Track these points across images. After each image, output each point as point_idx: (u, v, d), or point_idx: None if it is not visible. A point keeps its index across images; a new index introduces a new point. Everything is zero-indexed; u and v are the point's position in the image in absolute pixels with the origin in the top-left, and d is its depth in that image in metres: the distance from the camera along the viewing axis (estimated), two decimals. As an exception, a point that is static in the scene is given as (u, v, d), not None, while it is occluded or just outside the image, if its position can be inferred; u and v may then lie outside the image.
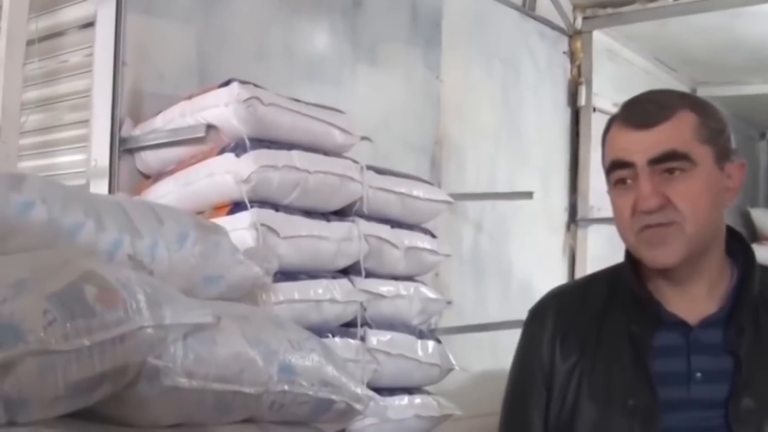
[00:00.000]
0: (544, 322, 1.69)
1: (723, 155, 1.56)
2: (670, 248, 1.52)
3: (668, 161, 1.51)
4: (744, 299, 1.56)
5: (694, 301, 1.58)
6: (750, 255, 1.62)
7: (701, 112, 1.56)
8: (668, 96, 1.62)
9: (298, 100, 2.76)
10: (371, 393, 2.08)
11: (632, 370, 1.55)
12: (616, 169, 1.56)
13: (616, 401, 1.55)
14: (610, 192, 1.60)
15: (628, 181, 1.54)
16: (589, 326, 1.63)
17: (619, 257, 1.69)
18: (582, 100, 5.46)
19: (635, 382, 1.54)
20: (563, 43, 5.48)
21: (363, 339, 2.76)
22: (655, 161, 1.51)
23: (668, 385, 1.53)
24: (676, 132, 1.52)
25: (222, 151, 2.59)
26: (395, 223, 3.00)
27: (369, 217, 2.89)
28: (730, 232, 1.64)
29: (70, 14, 3.14)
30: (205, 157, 2.64)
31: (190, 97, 2.74)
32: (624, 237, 1.59)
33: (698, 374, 1.52)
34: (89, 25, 3.04)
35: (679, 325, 1.56)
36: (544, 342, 1.67)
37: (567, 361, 1.62)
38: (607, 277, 1.71)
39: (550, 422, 1.63)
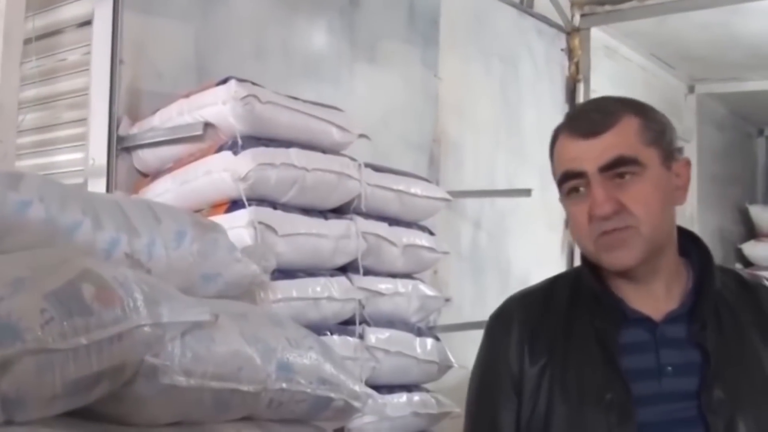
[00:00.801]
0: (509, 327, 1.68)
1: (669, 155, 1.60)
2: (628, 250, 1.55)
3: (618, 167, 1.54)
4: (706, 294, 1.60)
5: (655, 299, 1.61)
6: (706, 252, 1.66)
7: (643, 116, 1.60)
8: (610, 103, 1.65)
9: (295, 98, 2.76)
10: (370, 391, 2.08)
11: (603, 367, 1.56)
12: (568, 179, 1.58)
13: (590, 399, 1.55)
14: (563, 201, 1.63)
15: (581, 189, 1.57)
16: (555, 328, 1.64)
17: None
18: (580, 98, 5.47)
19: (608, 379, 1.55)
20: (561, 41, 5.49)
21: (361, 337, 2.76)
22: (605, 168, 1.54)
23: (640, 380, 1.55)
24: (622, 137, 1.56)
25: (220, 149, 2.59)
26: (393, 221, 3.00)
27: (367, 215, 2.89)
28: (682, 231, 1.67)
29: (67, 13, 3.14)
30: (202, 155, 2.65)
31: (187, 96, 2.74)
32: (582, 245, 1.62)
33: (669, 368, 1.55)
34: (86, 23, 3.04)
35: (644, 321, 1.59)
36: (511, 346, 1.66)
37: (536, 364, 1.62)
38: (569, 279, 1.73)
39: (521, 427, 1.62)
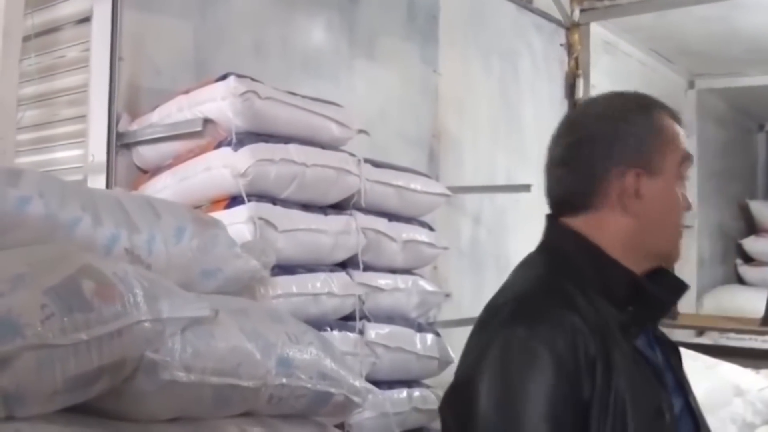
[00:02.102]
0: (575, 347, 1.41)
1: None
2: None
3: None
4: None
5: None
6: None
7: None
8: None
9: (295, 94, 2.76)
10: (370, 386, 2.09)
11: (647, 374, 1.51)
12: (688, 162, 1.60)
13: (651, 412, 1.46)
14: (669, 181, 1.56)
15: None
16: (593, 339, 1.43)
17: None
18: (579, 93, 5.46)
19: (659, 391, 1.51)
20: (560, 36, 5.48)
21: (361, 332, 2.76)
22: None
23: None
24: None
25: (219, 145, 2.59)
26: (393, 217, 3.00)
27: (367, 211, 2.89)
28: None
29: (67, 9, 3.14)
30: (202, 151, 2.65)
31: (187, 92, 2.74)
32: (669, 229, 1.58)
33: (667, 362, 1.60)
34: (86, 20, 3.03)
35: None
36: (582, 370, 1.40)
37: (595, 383, 1.40)
38: (569, 281, 1.54)
39: None
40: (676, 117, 1.62)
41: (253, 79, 2.64)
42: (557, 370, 1.38)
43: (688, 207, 1.59)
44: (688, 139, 1.61)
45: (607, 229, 1.56)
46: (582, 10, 5.50)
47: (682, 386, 1.59)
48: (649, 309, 1.57)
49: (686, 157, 1.59)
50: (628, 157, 1.55)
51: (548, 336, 1.40)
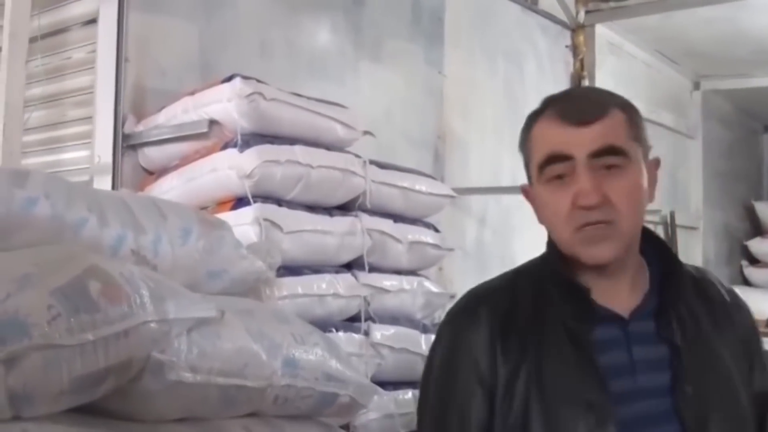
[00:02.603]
0: (476, 324, 1.59)
1: (646, 153, 1.59)
2: (608, 246, 1.52)
3: (608, 155, 1.51)
4: (672, 291, 1.59)
5: (620, 294, 1.59)
6: (667, 248, 1.66)
7: (628, 111, 1.58)
8: (600, 94, 1.65)
9: (300, 95, 2.77)
10: (375, 387, 2.09)
11: (578, 366, 1.53)
12: (552, 163, 1.54)
13: (568, 399, 1.52)
14: (537, 188, 1.59)
15: (564, 177, 1.53)
16: (525, 326, 1.58)
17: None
18: (585, 94, 5.45)
19: (585, 379, 1.53)
20: (566, 38, 5.48)
21: (367, 333, 2.76)
22: (595, 155, 1.51)
23: (615, 377, 1.53)
24: (612, 128, 1.53)
25: (225, 147, 2.59)
26: (398, 218, 3.00)
27: (372, 212, 2.89)
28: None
29: (73, 11, 3.15)
30: (208, 152, 2.65)
31: (192, 93, 2.75)
32: (558, 233, 1.57)
33: (642, 364, 1.54)
34: (92, 21, 3.05)
35: (614, 318, 1.57)
36: (480, 345, 1.58)
37: (507, 364, 1.56)
38: (532, 272, 1.67)
39: (497, 427, 1.55)
40: (563, 115, 1.55)
41: (258, 81, 2.64)
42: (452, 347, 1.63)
43: (567, 208, 1.52)
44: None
45: None
46: (587, 12, 5.50)
47: (673, 390, 1.52)
48: (566, 304, 1.58)
49: (546, 160, 1.55)
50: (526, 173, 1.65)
51: (455, 322, 1.66)
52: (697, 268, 1.73)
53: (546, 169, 1.55)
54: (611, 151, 1.51)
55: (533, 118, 1.62)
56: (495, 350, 1.57)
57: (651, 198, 1.60)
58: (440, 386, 1.64)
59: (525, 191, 1.66)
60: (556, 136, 1.55)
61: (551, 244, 1.63)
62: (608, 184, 1.51)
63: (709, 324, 1.61)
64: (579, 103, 1.59)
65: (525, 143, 1.62)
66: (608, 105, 1.56)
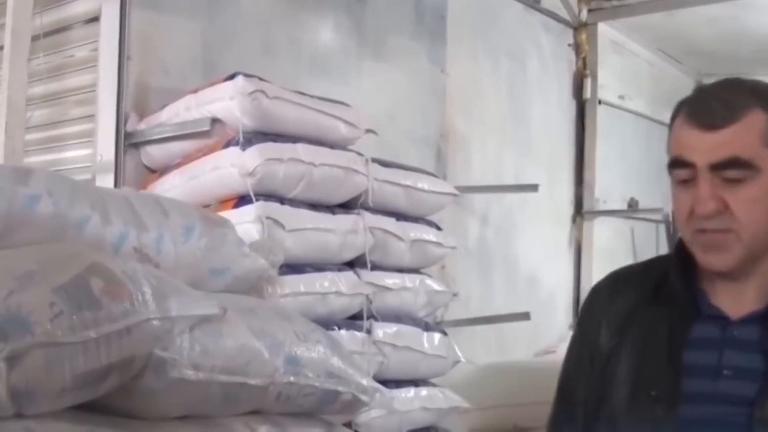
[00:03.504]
0: (598, 302, 1.73)
1: None
2: (724, 255, 1.50)
3: (730, 168, 1.45)
4: None
5: (742, 297, 1.54)
6: None
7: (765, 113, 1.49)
8: (738, 92, 1.52)
9: (303, 93, 2.77)
10: (377, 385, 2.09)
11: (664, 358, 1.55)
12: (677, 167, 1.52)
13: (643, 388, 1.55)
14: (672, 185, 1.56)
15: (689, 181, 1.50)
16: (634, 310, 1.64)
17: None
18: (587, 93, 5.46)
19: (663, 371, 1.54)
20: (568, 36, 5.48)
21: (369, 331, 2.76)
22: (717, 166, 1.46)
23: (696, 377, 1.52)
24: (742, 136, 1.46)
25: (227, 145, 2.59)
26: (401, 216, 3.00)
27: (374, 210, 2.89)
28: None
29: (75, 9, 3.15)
30: (210, 150, 2.65)
31: (195, 91, 2.75)
32: (680, 231, 1.58)
33: (726, 371, 1.50)
34: (94, 19, 3.04)
35: (719, 318, 1.54)
36: (594, 321, 1.69)
37: (610, 341, 1.64)
38: (662, 264, 1.70)
39: (588, 401, 1.66)
40: (692, 115, 1.51)
41: (261, 79, 2.64)
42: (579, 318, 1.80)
43: (687, 211, 1.50)
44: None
45: None
46: (590, 10, 5.50)
47: (754, 403, 1.46)
48: (677, 298, 1.60)
49: (672, 163, 1.53)
50: None
51: (589, 296, 1.79)
52: None
53: (673, 172, 1.54)
54: (734, 163, 1.46)
55: (677, 111, 1.57)
56: (601, 326, 1.67)
57: None
58: (566, 356, 1.79)
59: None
60: (682, 138, 1.52)
61: (681, 238, 1.62)
62: (730, 193, 1.47)
63: None
64: (711, 104, 1.51)
65: (669, 133, 1.59)
66: (744, 107, 1.48)
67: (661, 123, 6.19)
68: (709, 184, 1.46)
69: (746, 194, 1.46)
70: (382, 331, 2.80)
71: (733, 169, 1.45)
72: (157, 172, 2.88)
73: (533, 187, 4.28)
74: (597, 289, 1.77)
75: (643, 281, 1.69)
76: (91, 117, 3.03)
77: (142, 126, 2.89)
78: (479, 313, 4.20)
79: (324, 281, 2.64)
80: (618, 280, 1.75)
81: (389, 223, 2.92)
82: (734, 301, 1.55)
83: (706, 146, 1.47)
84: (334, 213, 2.76)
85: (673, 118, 1.57)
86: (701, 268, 1.57)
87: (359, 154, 2.87)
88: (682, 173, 1.51)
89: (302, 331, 1.89)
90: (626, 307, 1.66)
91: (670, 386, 1.52)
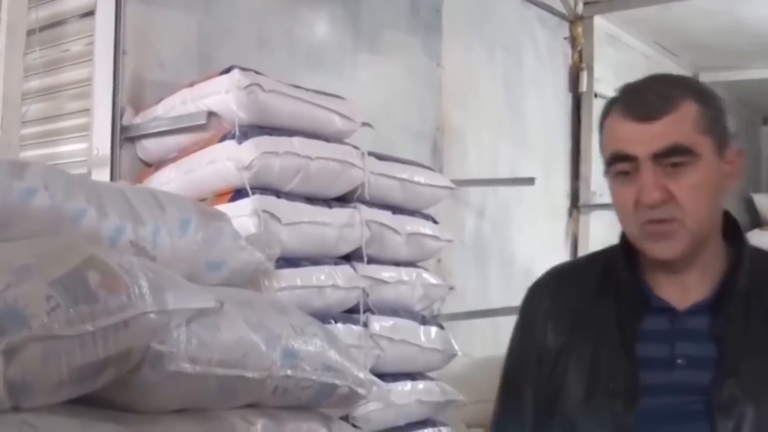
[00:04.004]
0: (540, 300, 1.71)
1: (723, 143, 1.53)
2: (672, 243, 1.51)
3: (671, 156, 1.48)
4: (731, 286, 1.55)
5: (686, 288, 1.57)
6: (741, 241, 1.61)
7: (702, 100, 1.53)
8: (670, 84, 1.57)
9: (299, 87, 2.76)
10: (374, 378, 2.09)
11: (618, 354, 1.56)
12: (616, 161, 1.53)
13: (600, 383, 1.55)
14: (609, 181, 1.58)
15: (630, 173, 1.52)
16: (581, 307, 1.64)
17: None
18: (583, 86, 5.46)
19: (619, 365, 1.55)
20: (564, 29, 5.48)
21: (366, 325, 2.76)
22: (658, 155, 1.48)
23: (651, 369, 1.53)
24: (679, 125, 1.49)
25: (223, 138, 2.59)
26: (397, 209, 3.00)
27: (371, 203, 2.89)
28: (726, 216, 1.62)
29: (71, 3, 3.14)
30: (206, 144, 2.65)
31: (191, 85, 2.75)
32: (625, 226, 1.58)
33: (680, 360, 1.52)
34: (89, 14, 3.04)
35: (667, 310, 1.56)
36: (538, 320, 1.68)
37: (557, 341, 1.63)
38: (604, 258, 1.70)
39: (539, 400, 1.64)
40: (628, 109, 1.53)
41: (257, 72, 2.64)
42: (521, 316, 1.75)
43: (632, 204, 1.51)
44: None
45: None
46: (586, 3, 5.50)
47: (710, 391, 1.48)
48: (623, 292, 1.60)
49: (611, 158, 1.54)
50: None
51: (528, 293, 1.76)
52: None
53: (612, 167, 1.55)
54: (675, 150, 1.48)
55: (608, 107, 1.59)
56: (547, 325, 1.66)
57: (733, 188, 1.56)
58: (507, 357, 1.76)
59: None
60: (620, 132, 1.54)
61: (623, 232, 1.63)
62: (673, 181, 1.49)
63: None
64: (645, 97, 1.54)
65: (600, 133, 1.61)
66: (678, 97, 1.51)
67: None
68: (652, 174, 1.48)
69: (688, 181, 1.49)
70: (379, 324, 2.80)
71: (674, 156, 1.48)
72: (153, 166, 2.88)
73: (529, 181, 4.28)
74: (538, 288, 1.75)
75: (586, 277, 1.68)
76: (86, 111, 3.02)
77: (138, 120, 2.88)
78: (475, 307, 4.21)
79: (320, 275, 2.64)
80: (560, 278, 1.75)
81: (385, 216, 2.92)
82: (679, 293, 1.57)
83: (646, 137, 1.49)
84: (330, 206, 2.76)
85: (604, 116, 1.59)
86: (645, 261, 1.59)
87: (355, 147, 2.87)
88: (623, 167, 1.52)
89: (299, 324, 1.89)
90: (572, 304, 1.65)
91: (627, 380, 1.53)
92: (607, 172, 1.58)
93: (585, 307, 1.63)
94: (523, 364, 1.69)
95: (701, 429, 1.48)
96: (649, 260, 1.59)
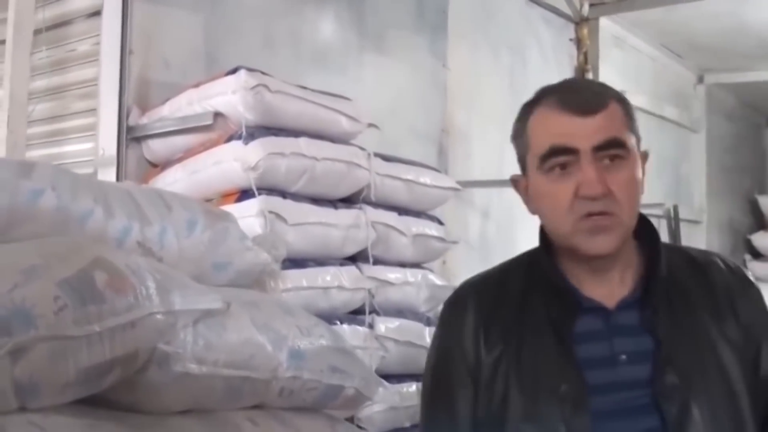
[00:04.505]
0: (464, 314, 1.65)
1: (639, 144, 1.58)
2: (610, 237, 1.52)
3: (611, 148, 1.51)
4: (654, 279, 1.58)
5: (609, 286, 1.59)
6: (655, 237, 1.63)
7: (623, 103, 1.58)
8: (597, 85, 1.66)
9: (305, 88, 2.77)
10: (380, 379, 2.09)
11: (558, 357, 1.55)
12: (555, 155, 1.53)
13: (545, 389, 1.54)
14: (535, 178, 1.58)
15: (567, 167, 1.52)
16: (510, 316, 1.61)
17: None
18: (589, 88, 5.45)
19: (562, 369, 1.54)
20: (570, 31, 5.47)
21: (371, 326, 2.77)
22: (599, 147, 1.50)
23: (594, 369, 1.54)
24: (613, 120, 1.53)
25: (230, 139, 2.59)
26: (402, 210, 3.00)
27: (376, 204, 2.89)
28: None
29: (77, 3, 3.15)
30: (212, 144, 2.65)
31: (197, 85, 2.75)
32: (557, 224, 1.57)
33: (623, 356, 1.54)
34: (96, 14, 3.05)
35: (598, 309, 1.57)
36: (466, 334, 1.63)
37: (491, 353, 1.60)
38: (522, 264, 1.70)
39: (478, 415, 1.59)
40: (565, 104, 1.54)
41: (263, 73, 2.64)
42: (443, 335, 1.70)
43: (569, 198, 1.51)
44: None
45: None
46: (591, 5, 5.50)
47: (652, 382, 1.51)
48: (551, 295, 1.60)
49: (549, 151, 1.53)
50: (518, 163, 1.64)
51: (447, 311, 1.73)
52: (703, 252, 1.72)
53: (549, 161, 1.54)
54: (615, 143, 1.51)
55: (529, 109, 1.61)
56: (479, 339, 1.61)
57: (642, 190, 1.59)
58: (432, 375, 1.70)
59: (515, 182, 1.66)
60: (558, 126, 1.54)
61: (543, 235, 1.64)
62: (610, 177, 1.51)
63: (707, 310, 1.58)
64: (580, 94, 1.58)
65: (520, 134, 1.61)
66: (608, 96, 1.56)
67: (663, 118, 6.21)
68: (594, 167, 1.50)
69: (623, 176, 1.52)
70: (384, 325, 2.80)
71: (613, 149, 1.51)
72: (159, 166, 2.88)
73: (534, 182, 4.27)
74: (458, 303, 1.70)
75: (507, 286, 1.66)
76: (93, 111, 3.03)
77: (144, 120, 2.88)
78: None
79: (326, 276, 2.64)
80: (480, 290, 1.69)
81: (391, 217, 2.92)
82: (604, 291, 1.58)
83: (587, 130, 1.51)
84: (336, 207, 2.76)
85: (527, 115, 1.60)
86: (567, 263, 1.60)
87: (361, 148, 2.87)
88: (562, 159, 1.52)
89: (305, 325, 1.89)
90: (499, 314, 1.62)
91: (573, 382, 1.53)
92: (534, 170, 1.57)
93: (513, 315, 1.61)
94: (454, 378, 1.63)
95: (650, 420, 1.50)
96: (570, 261, 1.59)
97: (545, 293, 1.60)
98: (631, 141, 1.54)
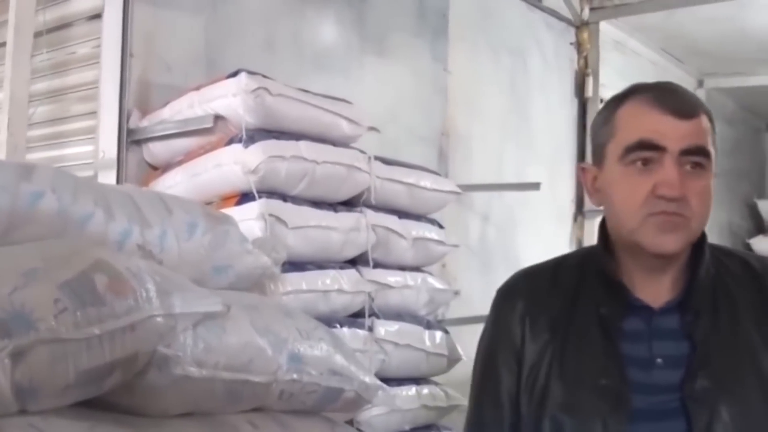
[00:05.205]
0: (514, 302, 1.71)
1: (714, 161, 1.61)
2: (677, 237, 1.54)
3: (696, 155, 1.54)
4: (696, 284, 1.60)
5: (659, 287, 1.61)
6: (701, 240, 1.65)
7: (710, 117, 1.61)
8: (692, 94, 1.67)
9: (305, 91, 2.77)
10: (379, 383, 2.08)
11: (602, 353, 1.57)
12: (642, 149, 1.55)
13: (586, 383, 1.57)
14: (612, 169, 1.59)
15: (650, 164, 1.54)
16: (559, 308, 1.65)
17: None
18: (589, 92, 5.47)
19: (606, 364, 1.56)
20: (570, 34, 5.48)
21: (371, 329, 2.76)
22: (686, 152, 1.53)
23: (634, 368, 1.56)
24: (704, 129, 1.57)
25: (230, 142, 2.59)
26: (403, 214, 3.01)
27: (376, 208, 2.89)
28: None
29: (78, 6, 3.15)
30: (213, 147, 2.65)
31: (198, 88, 2.75)
32: (626, 217, 1.57)
33: (659, 360, 1.56)
34: (97, 16, 3.05)
35: (644, 309, 1.60)
36: (515, 321, 1.68)
37: (537, 341, 1.64)
38: (578, 259, 1.74)
39: (521, 398, 1.64)
40: (662, 103, 1.56)
41: (264, 76, 2.64)
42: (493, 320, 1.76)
43: (645, 194, 1.53)
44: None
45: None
46: (592, 9, 5.50)
47: (682, 387, 1.53)
48: (602, 291, 1.62)
49: (637, 144, 1.55)
50: (593, 152, 1.67)
51: (498, 297, 1.77)
52: (761, 258, 1.72)
53: (633, 153, 1.55)
54: (701, 151, 1.55)
55: (619, 100, 1.62)
56: (525, 326, 1.66)
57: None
58: (481, 358, 1.76)
59: (582, 169, 1.68)
60: (651, 122, 1.56)
61: (603, 231, 1.66)
62: (688, 183, 1.53)
63: (753, 317, 1.59)
64: (678, 96, 1.60)
65: (606, 122, 1.62)
66: (700, 106, 1.60)
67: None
68: (677, 170, 1.52)
69: (701, 185, 1.55)
70: (384, 329, 2.80)
71: (699, 156, 1.55)
72: (159, 169, 2.88)
73: (535, 186, 4.27)
74: (510, 290, 1.76)
75: (561, 279, 1.70)
76: (93, 114, 3.03)
77: (145, 123, 2.89)
78: (480, 312, 4.16)
79: (326, 279, 2.64)
80: (533, 280, 1.75)
81: (391, 221, 2.92)
82: (654, 292, 1.60)
83: (678, 132, 1.54)
84: (336, 211, 2.76)
85: (615, 105, 1.62)
86: (624, 262, 1.62)
87: (361, 151, 2.87)
88: (647, 155, 1.54)
89: (305, 328, 1.88)
90: (549, 305, 1.66)
91: (616, 377, 1.55)
92: (615, 161, 1.58)
93: (563, 307, 1.64)
94: (502, 367, 1.69)
95: (678, 425, 1.52)
96: (631, 259, 1.61)
97: (597, 289, 1.63)
98: (711, 154, 1.57)
